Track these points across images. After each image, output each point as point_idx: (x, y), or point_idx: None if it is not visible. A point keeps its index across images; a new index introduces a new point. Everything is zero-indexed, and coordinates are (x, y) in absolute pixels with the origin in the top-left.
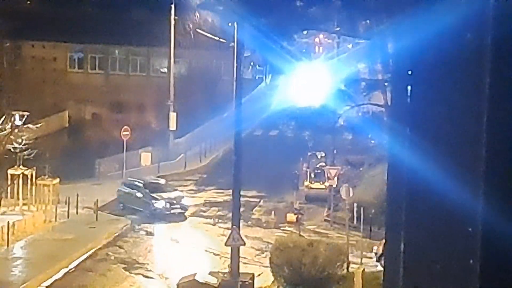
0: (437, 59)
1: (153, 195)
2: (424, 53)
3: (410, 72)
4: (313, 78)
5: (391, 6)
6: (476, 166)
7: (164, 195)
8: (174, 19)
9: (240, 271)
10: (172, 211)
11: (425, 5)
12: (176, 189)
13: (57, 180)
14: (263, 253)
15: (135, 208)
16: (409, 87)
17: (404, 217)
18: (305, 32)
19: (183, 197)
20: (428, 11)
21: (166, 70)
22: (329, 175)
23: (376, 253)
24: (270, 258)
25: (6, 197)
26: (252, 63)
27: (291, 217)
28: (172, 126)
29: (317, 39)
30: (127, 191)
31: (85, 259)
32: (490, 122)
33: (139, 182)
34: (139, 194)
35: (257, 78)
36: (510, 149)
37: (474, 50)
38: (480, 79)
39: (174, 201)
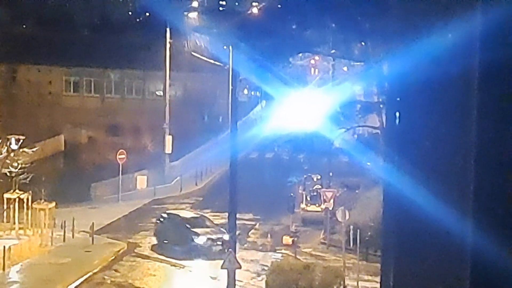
0: (425, 86)
1: (194, 230)
2: (413, 80)
3: (398, 99)
4: (307, 103)
5: (385, 30)
6: (465, 193)
7: (205, 230)
8: (170, 42)
9: None
10: (213, 247)
11: (414, 34)
12: (217, 225)
13: (53, 204)
14: (259, 276)
15: (173, 243)
16: (397, 114)
17: (396, 241)
18: (300, 54)
19: (224, 232)
20: (417, 40)
21: (161, 93)
22: (325, 197)
23: None
24: (266, 281)
25: (2, 221)
26: (247, 86)
27: (287, 240)
28: (168, 149)
29: (312, 61)
30: (165, 224)
31: (81, 283)
32: (478, 150)
33: (178, 215)
34: (178, 228)
35: (252, 101)
36: (498, 175)
37: (461, 79)
38: (467, 107)
39: (215, 237)
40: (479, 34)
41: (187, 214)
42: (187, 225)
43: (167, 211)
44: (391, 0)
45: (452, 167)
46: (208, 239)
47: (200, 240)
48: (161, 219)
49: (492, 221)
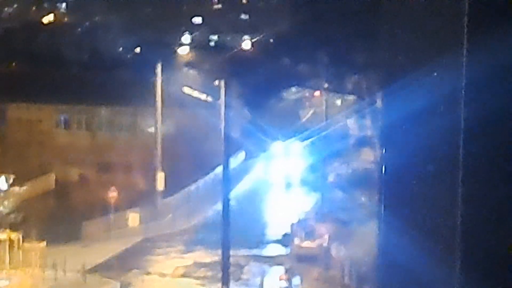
0: (412, 135)
1: None
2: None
3: (384, 151)
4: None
5: (377, 64)
6: (452, 246)
7: None
8: (161, 78)
9: None
10: None
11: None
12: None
13: (44, 243)
14: None
15: None
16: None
17: (391, 277)
18: (293, 89)
19: None
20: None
21: (153, 129)
22: (319, 233)
23: None
24: None
25: None
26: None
27: (282, 276)
28: (160, 186)
29: (306, 95)
30: None
31: None
32: (464, 199)
33: None
34: None
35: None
36: (484, 225)
37: (447, 124)
38: (453, 159)
39: None
40: (463, 84)
41: None
42: None
43: None
44: (382, 35)
45: (439, 219)
46: None
47: None
48: None
49: (480, 273)
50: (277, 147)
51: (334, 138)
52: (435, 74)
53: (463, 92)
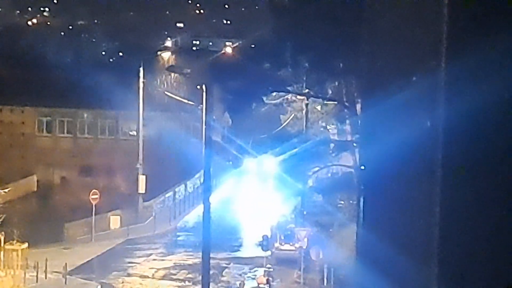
0: (390, 139)
1: None
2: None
3: (363, 167)
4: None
5: (357, 70)
6: (430, 248)
7: None
8: (143, 82)
9: None
10: None
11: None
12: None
13: (26, 244)
14: None
15: None
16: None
17: (369, 280)
18: (274, 94)
19: None
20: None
21: (135, 133)
22: (299, 236)
23: None
24: None
25: None
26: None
27: (262, 279)
28: (141, 189)
29: (286, 100)
30: None
31: None
32: (442, 201)
33: None
34: None
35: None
36: (462, 227)
37: (425, 129)
38: (432, 162)
39: None
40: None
41: None
42: None
43: None
44: (362, 41)
45: (418, 234)
46: None
47: None
48: None
49: (456, 274)
50: (256, 151)
51: (314, 142)
52: (414, 78)
53: (442, 97)
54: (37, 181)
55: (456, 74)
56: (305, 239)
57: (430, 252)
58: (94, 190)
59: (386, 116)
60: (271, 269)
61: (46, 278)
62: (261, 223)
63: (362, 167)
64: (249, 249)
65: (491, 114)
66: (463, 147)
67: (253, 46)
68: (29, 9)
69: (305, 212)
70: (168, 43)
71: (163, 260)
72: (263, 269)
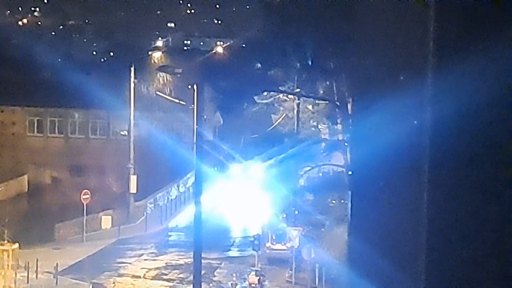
0: (380, 139)
1: None
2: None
3: (350, 173)
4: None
5: (348, 69)
6: (419, 248)
7: None
8: (134, 82)
9: None
10: None
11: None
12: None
13: (17, 245)
14: None
15: None
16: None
17: (360, 279)
18: (265, 93)
19: None
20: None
21: (126, 132)
22: (290, 236)
23: None
24: None
25: None
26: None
27: (253, 278)
28: (133, 189)
29: (279, 98)
30: None
31: None
32: (430, 202)
33: None
34: None
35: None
36: (450, 230)
37: (414, 129)
38: (420, 163)
39: None
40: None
41: None
42: None
43: None
44: (353, 41)
45: (405, 238)
46: None
47: None
48: None
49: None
50: (244, 156)
51: (305, 142)
52: (401, 78)
53: (430, 97)
54: (28, 181)
55: (444, 75)
56: (297, 239)
57: (418, 254)
58: (85, 190)
59: (376, 117)
60: (263, 269)
61: (37, 278)
62: (253, 223)
63: (350, 173)
64: (241, 249)
65: (480, 115)
66: (451, 148)
67: (244, 45)
68: (20, 9)
69: (296, 212)
70: (159, 43)
71: (154, 260)
72: (254, 268)
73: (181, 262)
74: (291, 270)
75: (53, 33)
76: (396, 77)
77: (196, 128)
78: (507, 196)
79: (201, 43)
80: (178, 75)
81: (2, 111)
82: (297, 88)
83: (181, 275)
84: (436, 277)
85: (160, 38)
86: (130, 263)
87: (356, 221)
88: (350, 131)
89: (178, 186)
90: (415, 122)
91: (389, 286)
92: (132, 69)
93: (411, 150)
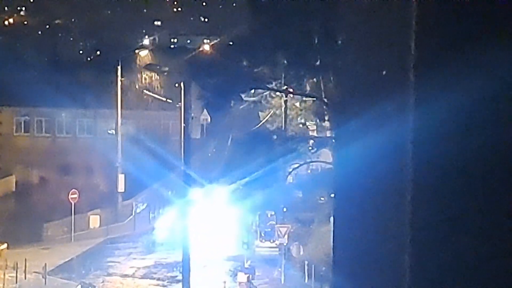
0: (364, 137)
1: None
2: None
3: (334, 195)
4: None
5: (335, 66)
6: (402, 247)
7: None
8: (121, 81)
9: None
10: None
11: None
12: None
13: (5, 245)
14: None
15: None
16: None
17: (346, 275)
18: (252, 91)
19: None
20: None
21: (113, 131)
22: (279, 233)
23: None
24: None
25: None
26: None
27: (242, 276)
28: (121, 187)
29: (266, 95)
30: None
31: None
32: (414, 201)
33: None
34: None
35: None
36: (435, 231)
37: (397, 126)
38: (404, 162)
39: None
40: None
41: None
42: None
43: None
44: (340, 38)
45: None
46: None
47: None
48: None
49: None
50: (207, 180)
51: (293, 139)
52: (384, 73)
53: (412, 103)
54: (16, 181)
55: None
56: (286, 236)
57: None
58: (73, 190)
59: (359, 118)
60: (252, 267)
61: (25, 278)
62: (242, 220)
63: (332, 195)
64: (230, 247)
65: (467, 117)
66: (435, 149)
67: (231, 43)
68: (5, 8)
69: (285, 209)
70: (146, 41)
71: (143, 259)
72: (243, 266)
73: (170, 260)
74: (280, 267)
75: (39, 33)
76: (378, 77)
77: (184, 126)
78: (493, 199)
79: (188, 41)
80: (165, 73)
81: None
82: (285, 85)
83: (170, 274)
84: (421, 277)
85: (147, 37)
86: (119, 262)
87: (339, 222)
88: (333, 131)
89: (165, 185)
90: (398, 123)
91: (373, 286)
92: (119, 67)
93: (395, 151)
